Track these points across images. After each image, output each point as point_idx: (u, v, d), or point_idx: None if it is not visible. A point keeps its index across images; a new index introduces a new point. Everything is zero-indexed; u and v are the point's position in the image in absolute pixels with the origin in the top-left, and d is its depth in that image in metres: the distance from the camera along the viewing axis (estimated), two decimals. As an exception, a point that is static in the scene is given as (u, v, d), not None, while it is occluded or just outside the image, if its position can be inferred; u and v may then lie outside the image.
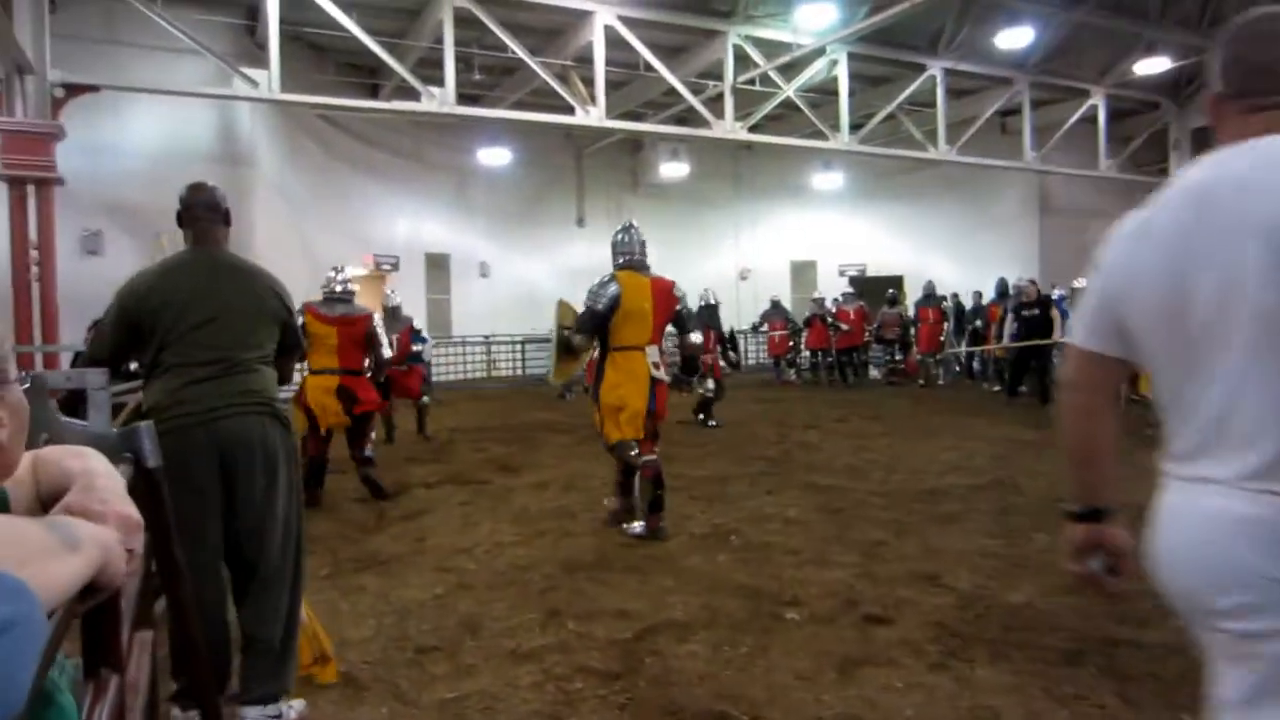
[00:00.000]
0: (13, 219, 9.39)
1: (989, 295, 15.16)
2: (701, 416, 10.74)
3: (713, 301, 11.56)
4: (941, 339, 16.02)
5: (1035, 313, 12.11)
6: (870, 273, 20.86)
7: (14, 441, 1.02)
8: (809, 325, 16.70)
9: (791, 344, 17.08)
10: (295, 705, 3.03)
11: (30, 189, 9.42)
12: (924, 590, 4.27)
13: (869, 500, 6.35)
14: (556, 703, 3.15)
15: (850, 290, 17.80)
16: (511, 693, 3.23)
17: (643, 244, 5.65)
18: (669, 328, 5.63)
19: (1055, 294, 13.73)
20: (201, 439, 2.90)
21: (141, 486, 1.54)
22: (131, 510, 1.11)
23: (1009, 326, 12.46)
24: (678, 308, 5.57)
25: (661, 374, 5.44)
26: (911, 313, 16.67)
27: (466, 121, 14.43)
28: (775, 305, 17.26)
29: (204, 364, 3.00)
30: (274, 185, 14.10)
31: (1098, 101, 17.24)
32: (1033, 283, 12.77)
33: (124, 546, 1.04)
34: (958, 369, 17.03)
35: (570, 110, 13.24)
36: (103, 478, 1.12)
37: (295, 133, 15.06)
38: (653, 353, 5.44)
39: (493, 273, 19.20)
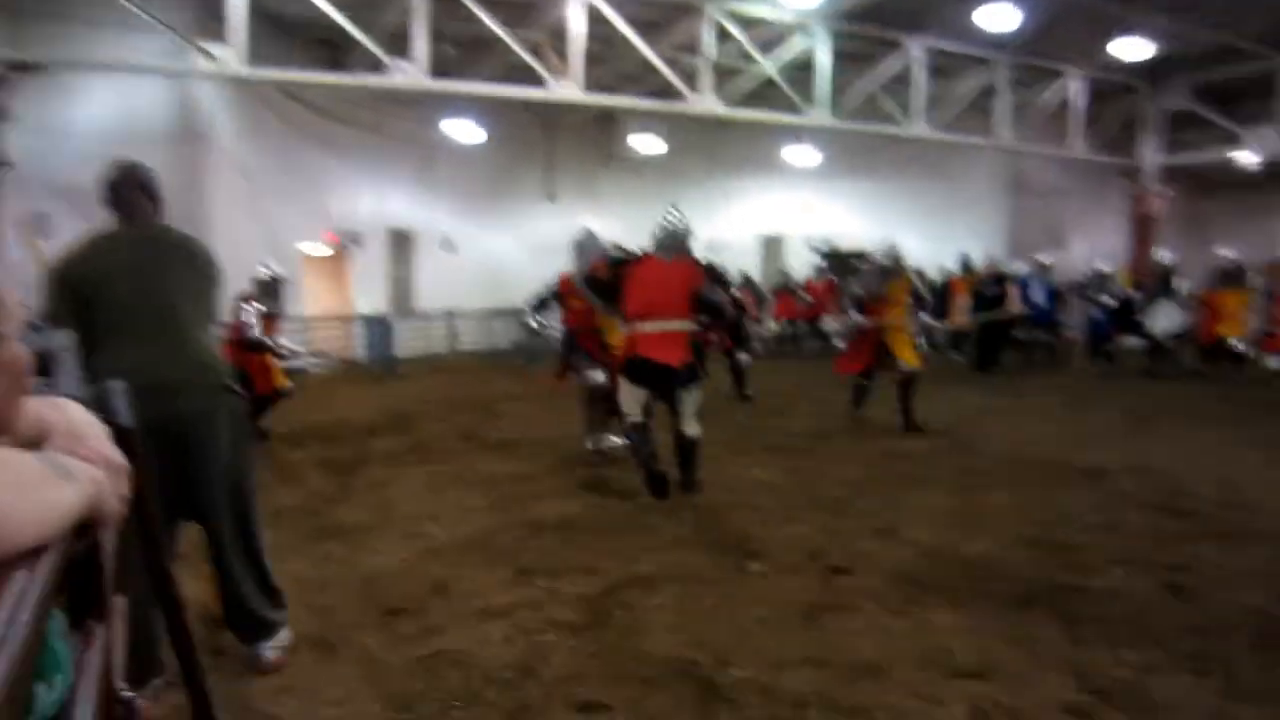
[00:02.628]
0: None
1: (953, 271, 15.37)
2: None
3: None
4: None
5: (995, 290, 12.40)
6: (840, 248, 21.00)
7: (7, 397, 1.01)
8: (776, 296, 16.94)
9: (759, 316, 17.26)
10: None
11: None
12: (885, 543, 4.38)
13: (833, 462, 6.47)
14: (528, 655, 3.20)
15: (823, 265, 17.96)
16: (483, 648, 3.28)
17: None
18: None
19: (1021, 269, 13.86)
20: (151, 403, 2.90)
21: (117, 446, 1.54)
22: (117, 454, 1.10)
23: (964, 302, 12.91)
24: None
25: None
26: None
27: (433, 95, 14.27)
28: (747, 280, 17.38)
29: (145, 332, 3.00)
30: (233, 161, 13.88)
31: (1074, 82, 17.39)
32: (993, 262, 13.13)
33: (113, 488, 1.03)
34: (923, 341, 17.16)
35: (543, 84, 13.16)
36: (84, 425, 1.11)
37: (256, 107, 14.82)
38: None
39: (459, 248, 19.07)
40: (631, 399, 5.48)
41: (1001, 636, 3.22)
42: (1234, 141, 18.48)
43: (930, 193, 20.24)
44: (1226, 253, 11.80)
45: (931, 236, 19.51)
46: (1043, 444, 7.12)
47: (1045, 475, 6.01)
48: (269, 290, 8.07)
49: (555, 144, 20.39)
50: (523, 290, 18.28)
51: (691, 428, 5.50)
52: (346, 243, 16.99)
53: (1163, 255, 13.43)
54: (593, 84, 14.41)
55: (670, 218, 5.67)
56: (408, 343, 16.68)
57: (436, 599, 3.82)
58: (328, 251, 16.88)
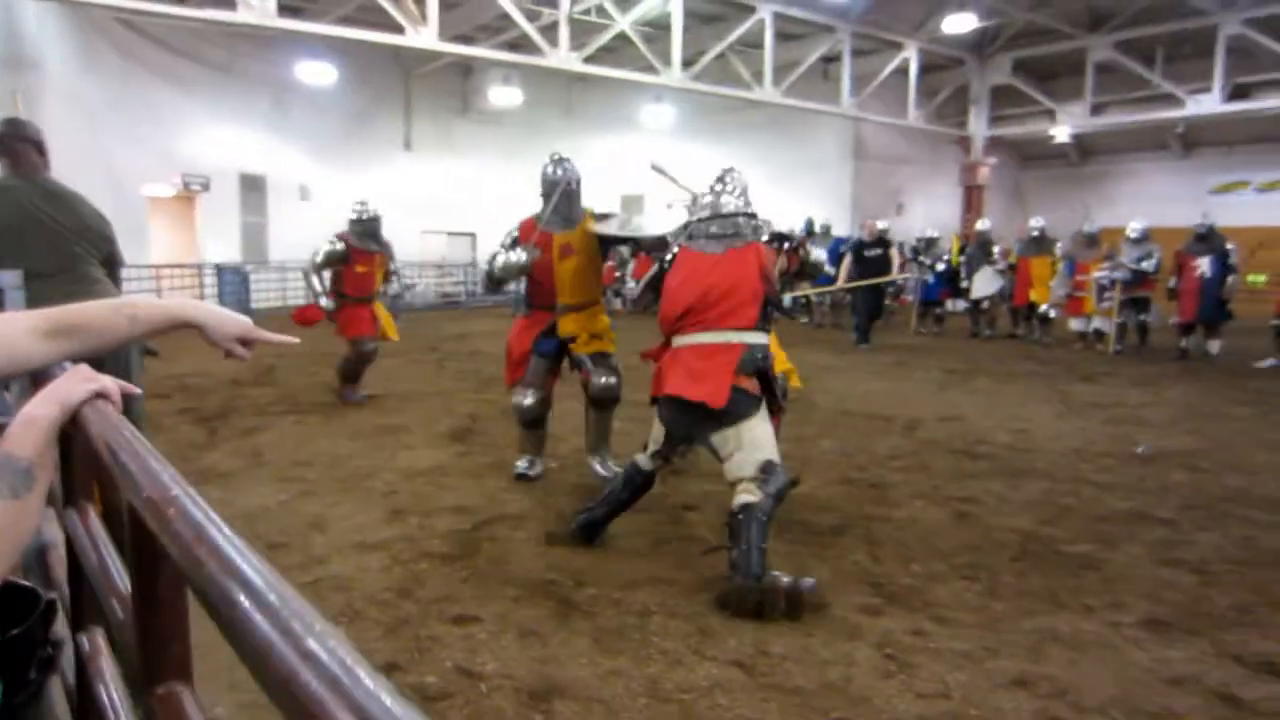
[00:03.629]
0: None
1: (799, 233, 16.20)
2: None
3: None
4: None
5: (878, 252, 12.02)
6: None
7: None
8: (635, 256, 17.34)
9: (619, 274, 17.69)
10: None
11: None
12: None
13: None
14: (405, 580, 3.56)
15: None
16: (363, 575, 3.62)
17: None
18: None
19: (852, 236, 14.69)
20: None
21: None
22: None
23: (848, 266, 12.25)
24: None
25: None
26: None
27: (286, 34, 13.82)
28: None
29: (49, 277, 3.16)
30: (66, 93, 13.07)
31: (910, 54, 18.50)
32: (873, 222, 12.64)
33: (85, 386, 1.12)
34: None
35: (400, 29, 13.01)
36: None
37: (90, 36, 13.98)
38: None
39: (314, 196, 18.59)
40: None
41: (816, 557, 3.84)
42: (1050, 116, 20.20)
43: (779, 156, 21.08)
44: (1035, 222, 13.02)
45: (780, 198, 20.39)
46: (870, 399, 7.91)
47: (869, 426, 6.75)
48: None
49: (412, 91, 20.07)
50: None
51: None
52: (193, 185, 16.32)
53: (982, 223, 14.67)
54: (450, 32, 14.34)
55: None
56: (263, 295, 16.27)
57: (316, 534, 4.11)
58: (170, 193, 16.17)
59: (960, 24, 16.59)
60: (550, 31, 14.53)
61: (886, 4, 17.19)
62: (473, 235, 20.52)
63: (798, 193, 20.27)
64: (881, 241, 12.17)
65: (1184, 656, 2.96)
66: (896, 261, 12.30)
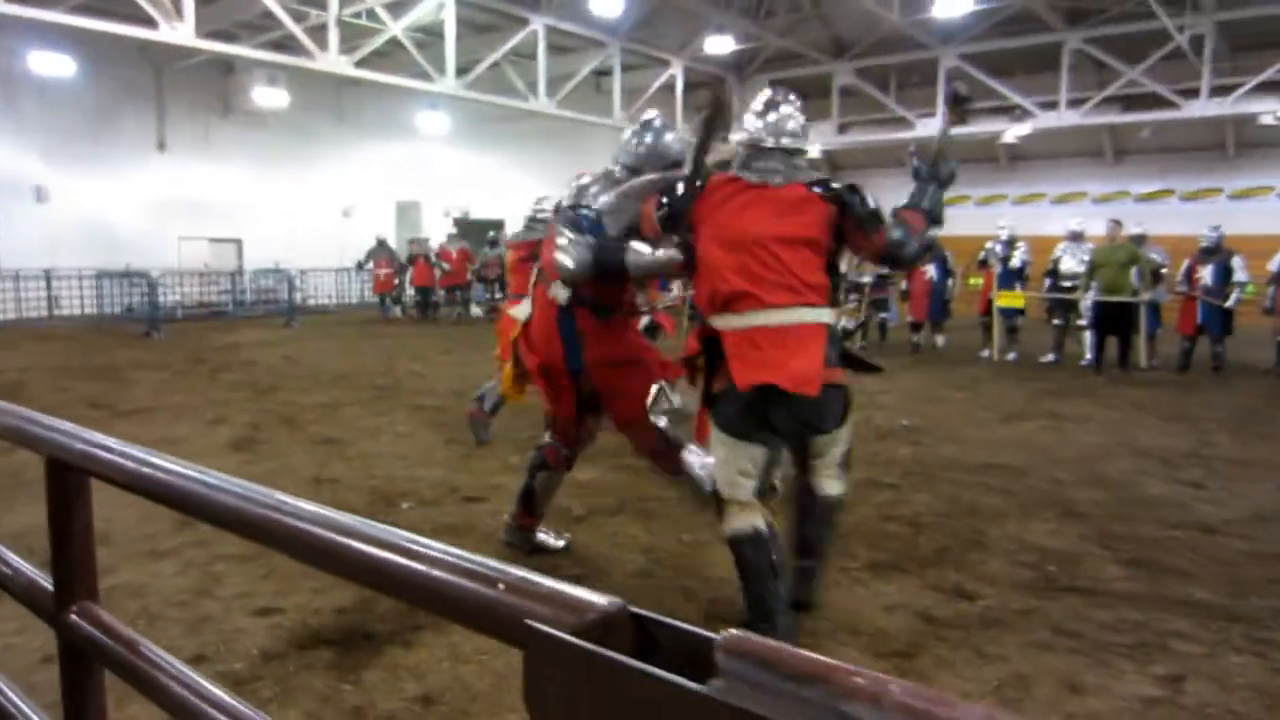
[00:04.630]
0: None
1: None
2: None
3: None
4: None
5: None
6: (474, 215, 21.75)
7: None
8: (413, 263, 17.26)
9: (397, 281, 17.52)
10: None
11: None
12: (514, 477, 5.24)
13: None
14: (203, 581, 3.62)
15: (454, 231, 18.58)
16: (157, 580, 3.63)
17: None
18: None
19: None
20: None
21: None
22: None
23: None
24: None
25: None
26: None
27: (16, 21, 12.59)
28: (381, 244, 17.53)
29: None
30: None
31: (676, 71, 19.53)
32: None
33: None
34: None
35: (150, 22, 12.26)
36: None
37: None
38: None
39: (52, 198, 17.03)
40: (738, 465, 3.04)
41: (595, 535, 4.23)
42: (802, 134, 21.98)
43: (555, 165, 21.50)
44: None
45: (558, 207, 20.89)
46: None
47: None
48: None
49: (166, 88, 18.78)
50: (134, 249, 16.89)
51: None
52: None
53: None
54: (208, 27, 13.67)
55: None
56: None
57: (100, 546, 4.01)
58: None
59: (720, 45, 17.78)
60: (319, 33, 14.18)
61: (654, 23, 18.13)
62: (238, 242, 19.52)
63: (575, 201, 20.79)
64: None
65: (896, 589, 3.61)
66: None
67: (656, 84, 19.34)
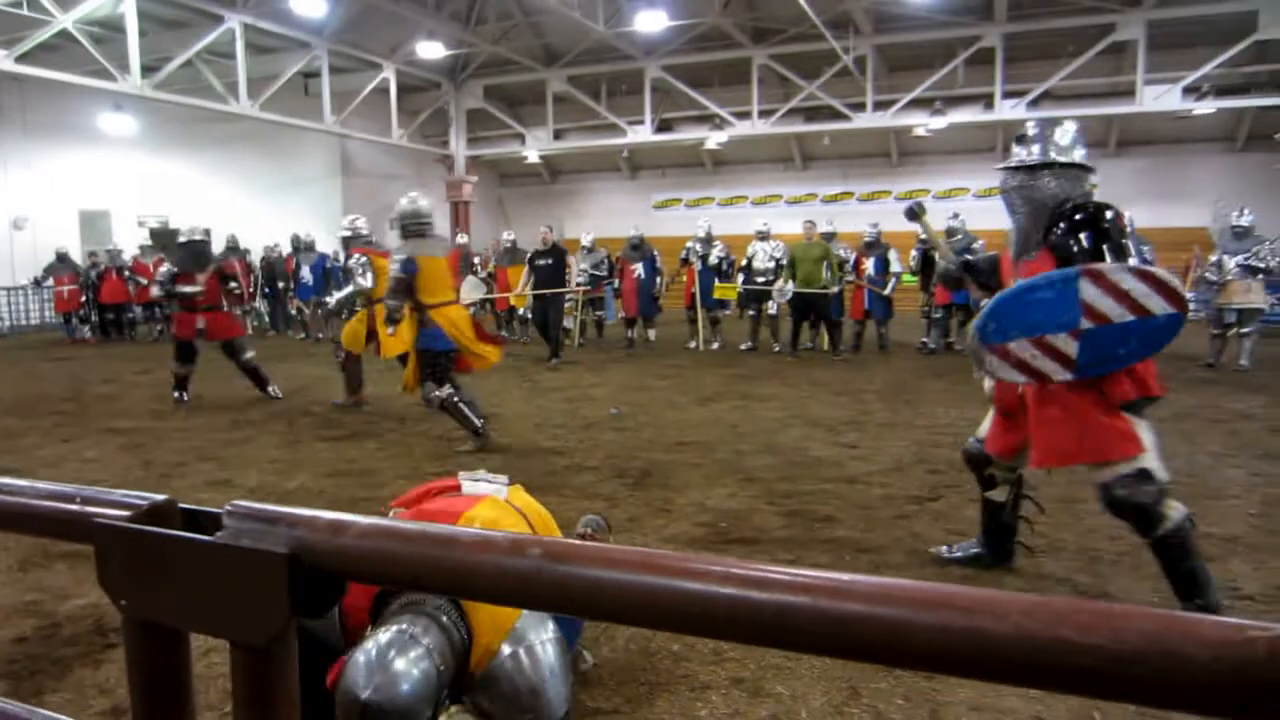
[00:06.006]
0: None
1: (286, 249, 16.05)
2: None
3: None
4: (252, 290, 16.50)
5: (549, 262, 11.92)
6: (174, 224, 20.17)
7: None
8: (103, 279, 15.78)
9: (84, 298, 15.94)
10: None
11: None
12: (219, 490, 5.13)
13: (171, 433, 6.92)
14: None
15: (149, 243, 17.20)
16: None
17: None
18: None
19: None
20: None
21: None
22: None
23: (525, 275, 12.34)
24: None
25: None
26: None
27: None
28: (62, 258, 15.87)
29: None
30: None
31: (389, 75, 19.20)
32: (550, 229, 12.65)
33: None
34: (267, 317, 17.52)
35: None
36: None
37: None
38: None
39: None
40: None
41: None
42: (520, 139, 22.44)
43: (262, 171, 20.59)
44: (508, 235, 14.56)
45: (264, 214, 19.87)
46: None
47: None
48: None
49: None
50: None
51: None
52: None
53: (461, 238, 15.97)
54: None
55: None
56: None
57: None
58: None
59: (431, 50, 17.74)
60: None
61: (362, 25, 17.73)
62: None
63: (284, 208, 19.96)
64: (555, 251, 12.06)
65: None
66: (573, 270, 12.27)
67: (369, 87, 18.96)
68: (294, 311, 16.05)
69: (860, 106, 18.84)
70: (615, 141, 21.55)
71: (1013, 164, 3.42)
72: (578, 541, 0.64)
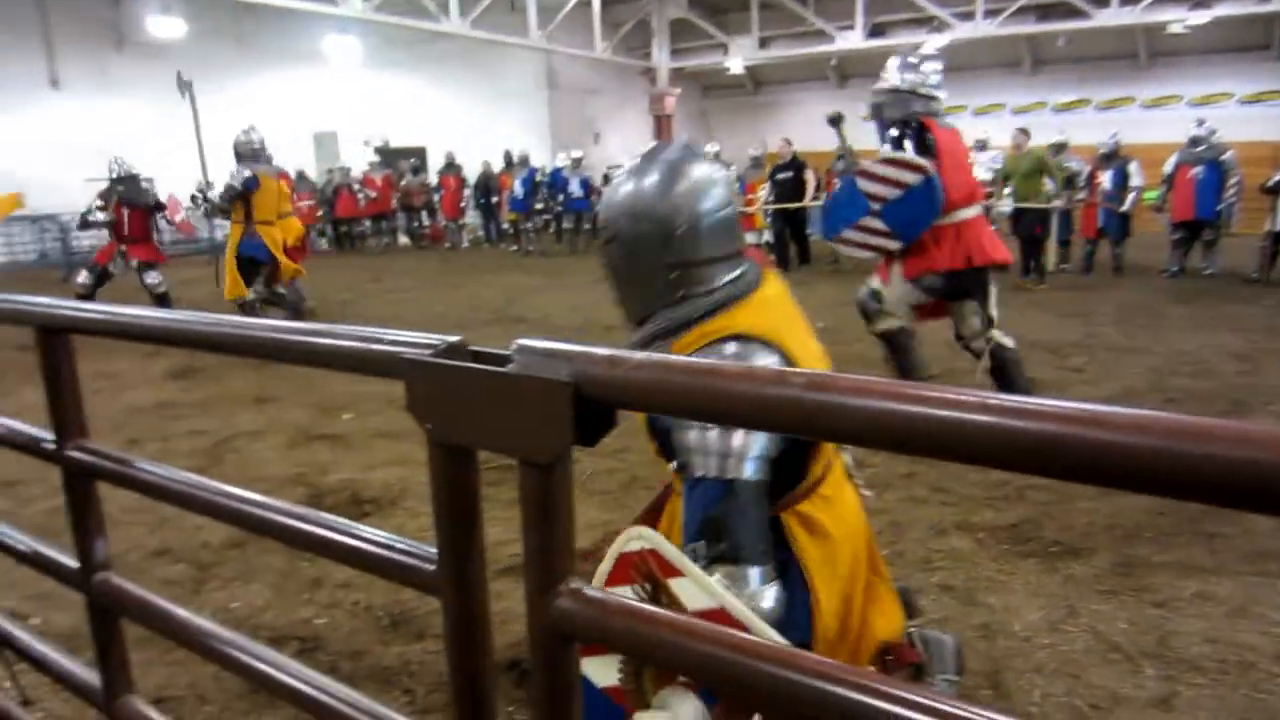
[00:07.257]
0: None
1: (499, 166, 16.72)
2: None
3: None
4: (462, 205, 17.44)
5: (789, 175, 11.90)
6: (394, 144, 21.41)
7: None
8: (337, 195, 17.13)
9: (320, 214, 17.36)
10: None
11: None
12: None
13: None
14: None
15: (376, 159, 18.38)
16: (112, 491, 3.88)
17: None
18: None
19: (558, 163, 15.65)
20: None
21: None
22: None
23: (765, 192, 12.32)
24: None
25: None
26: (434, 180, 17.84)
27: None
28: (301, 177, 17.29)
29: None
30: None
31: (593, -13, 19.25)
32: (787, 142, 12.54)
33: None
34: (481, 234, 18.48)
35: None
36: None
37: None
38: None
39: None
40: None
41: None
42: (724, 50, 22.04)
43: (473, 88, 21.21)
44: (711, 147, 14.47)
45: (477, 129, 20.64)
46: (565, 313, 8.77)
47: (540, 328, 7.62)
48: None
49: (52, 21, 17.82)
50: (39, 194, 16.34)
51: None
52: None
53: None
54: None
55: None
56: None
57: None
58: None
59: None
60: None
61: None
62: (150, 181, 18.93)
63: (496, 123, 20.60)
64: (794, 164, 12.02)
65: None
66: (810, 186, 12.15)
67: (572, 2, 19.10)
68: (506, 225, 16.79)
69: (1103, 1, 17.06)
70: (824, 49, 20.70)
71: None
72: (837, 374, 0.68)
